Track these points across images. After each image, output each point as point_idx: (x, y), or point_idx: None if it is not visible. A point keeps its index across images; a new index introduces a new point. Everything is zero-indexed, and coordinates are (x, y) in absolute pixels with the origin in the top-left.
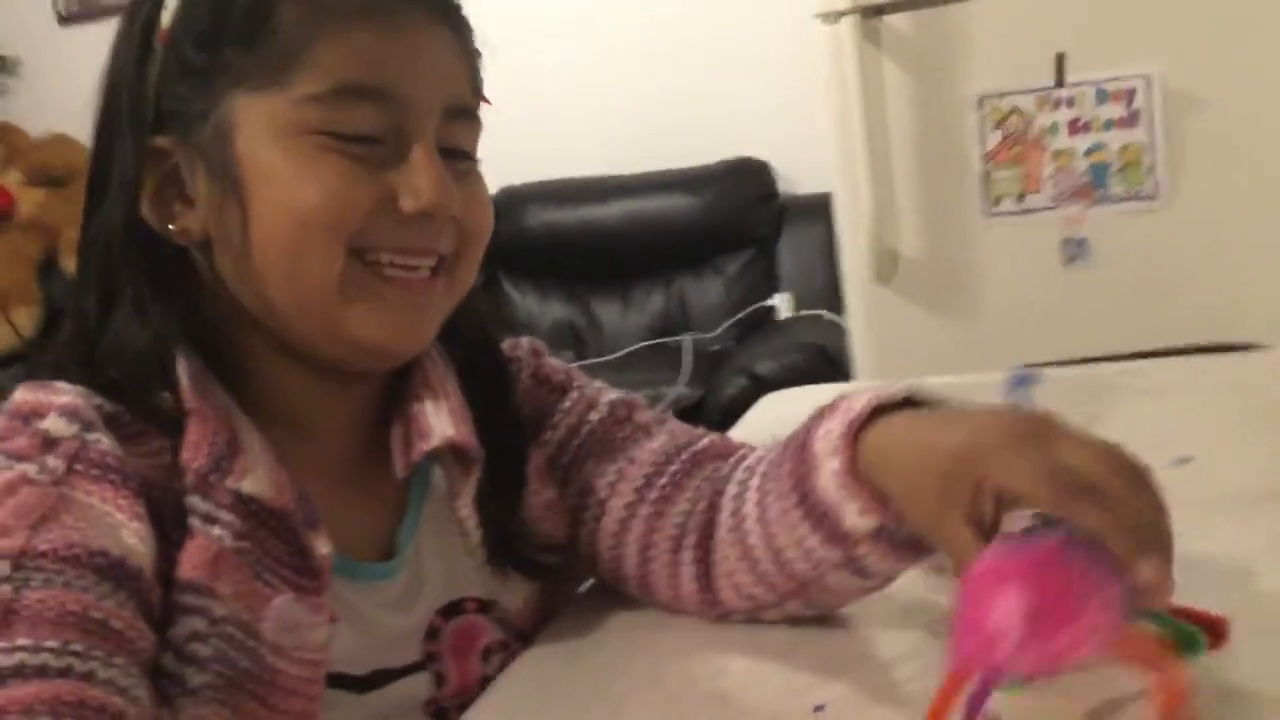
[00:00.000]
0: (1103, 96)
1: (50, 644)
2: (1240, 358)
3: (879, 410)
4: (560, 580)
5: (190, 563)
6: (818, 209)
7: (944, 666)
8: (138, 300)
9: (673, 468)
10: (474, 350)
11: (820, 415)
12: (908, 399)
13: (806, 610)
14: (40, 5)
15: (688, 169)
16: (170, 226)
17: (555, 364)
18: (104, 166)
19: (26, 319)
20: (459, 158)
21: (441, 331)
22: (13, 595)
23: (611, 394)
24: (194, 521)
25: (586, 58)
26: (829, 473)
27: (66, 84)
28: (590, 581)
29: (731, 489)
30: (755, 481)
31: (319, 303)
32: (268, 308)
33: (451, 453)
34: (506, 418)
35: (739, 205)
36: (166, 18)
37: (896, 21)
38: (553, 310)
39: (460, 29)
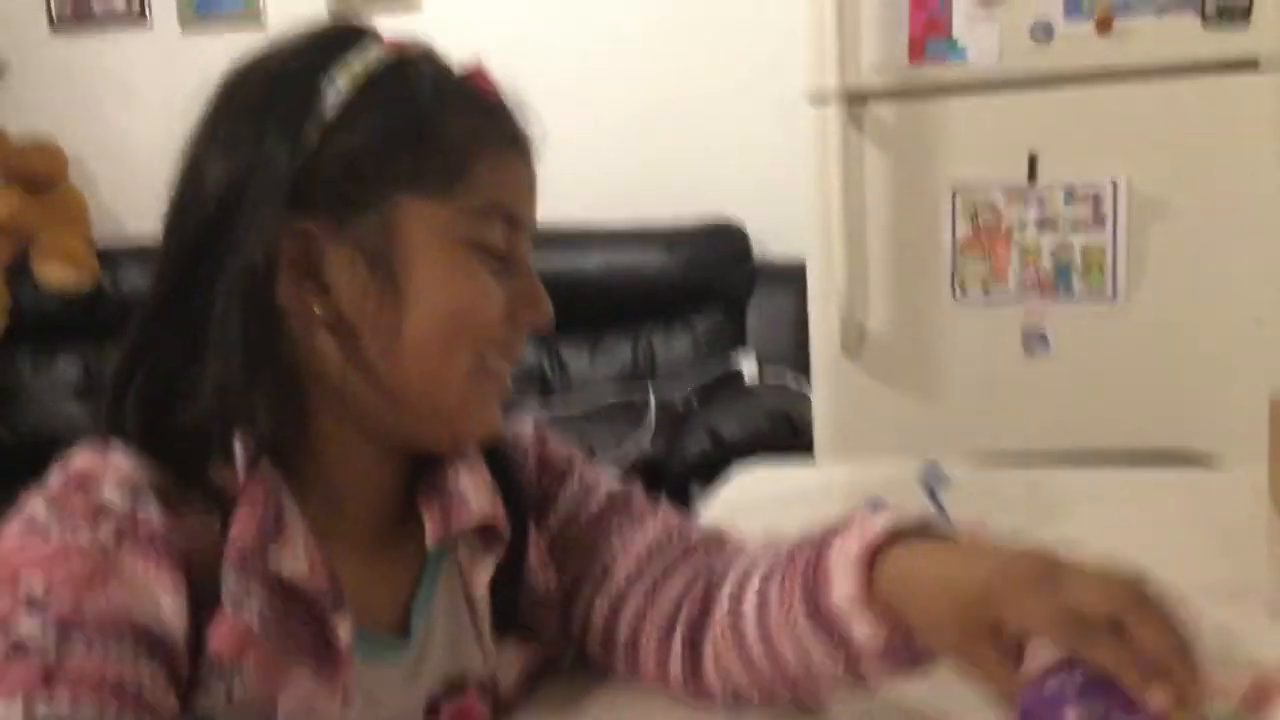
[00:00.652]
0: (1070, 198)
1: (88, 708)
2: (1192, 476)
3: (895, 535)
4: (551, 658)
5: (219, 640)
6: (790, 275)
7: None
8: (239, 369)
9: (667, 555)
10: None
11: (833, 532)
12: (922, 526)
13: (791, 703)
14: (33, 11)
15: (666, 225)
16: (316, 309)
17: (558, 448)
18: (225, 232)
19: None
20: None
21: None
22: (56, 659)
23: (611, 480)
24: (226, 599)
25: (580, 109)
26: (842, 594)
27: (53, 90)
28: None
29: (729, 585)
30: (755, 583)
31: (451, 394)
32: (392, 393)
33: (477, 530)
34: (517, 495)
35: (713, 265)
36: (329, 109)
37: (880, 110)
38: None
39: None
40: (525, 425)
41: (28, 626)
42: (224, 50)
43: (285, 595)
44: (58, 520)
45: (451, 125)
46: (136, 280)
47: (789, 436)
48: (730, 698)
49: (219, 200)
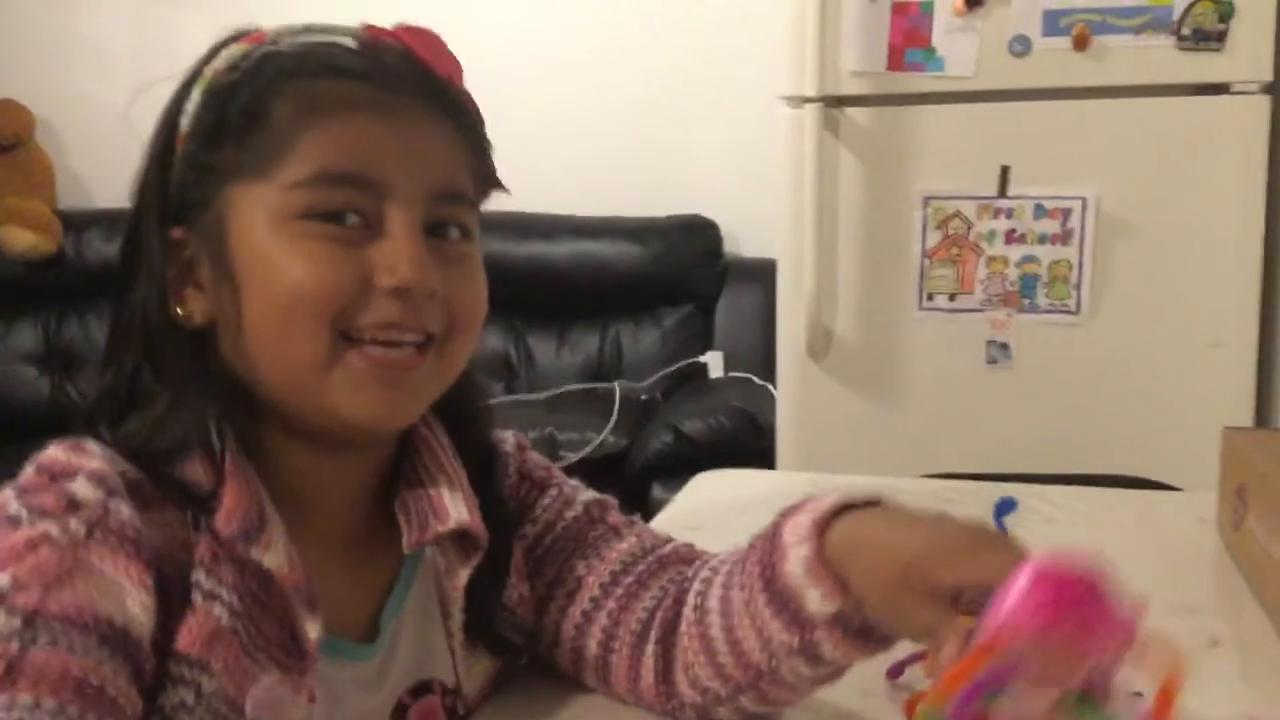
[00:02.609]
0: (1040, 212)
1: (49, 703)
2: (1148, 496)
3: (847, 507)
4: (516, 665)
5: (188, 637)
6: (760, 273)
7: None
8: (177, 379)
9: (639, 568)
10: (469, 435)
11: (789, 512)
12: (872, 501)
13: (757, 707)
14: None
15: (638, 219)
16: (179, 310)
17: (536, 459)
18: (133, 256)
19: None
20: (452, 239)
21: (438, 416)
22: (19, 652)
23: (587, 494)
24: (196, 597)
25: (554, 98)
26: (796, 559)
27: (23, 51)
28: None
29: (696, 587)
30: (719, 580)
31: (305, 380)
32: (264, 385)
33: (454, 536)
34: (498, 504)
35: (684, 261)
36: (185, 121)
37: (857, 115)
38: (489, 339)
39: (462, 120)
40: (505, 438)
41: None
42: (198, 18)
43: (259, 592)
44: (28, 512)
45: (278, 106)
46: (100, 246)
47: (751, 435)
48: (699, 706)
49: (131, 224)
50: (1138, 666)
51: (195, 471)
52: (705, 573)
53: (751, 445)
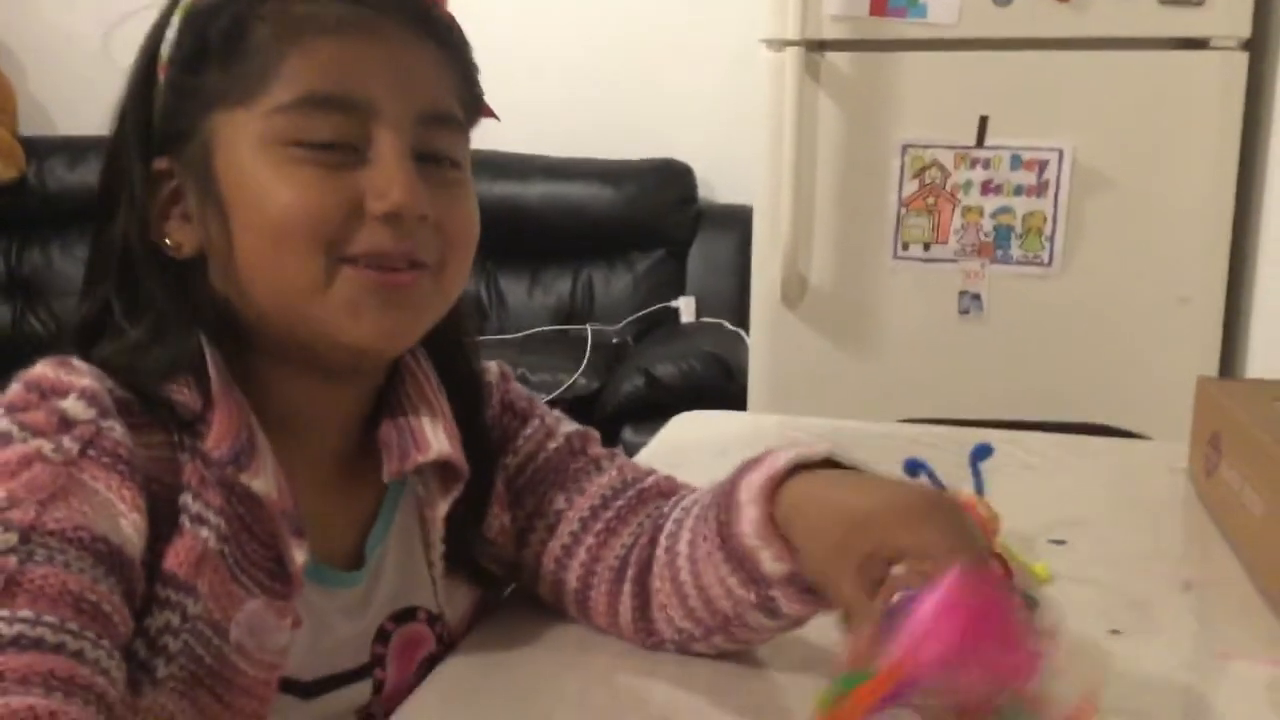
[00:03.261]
0: (1017, 163)
1: (49, 619)
2: (1120, 444)
3: (801, 466)
4: (500, 594)
5: (176, 559)
6: (734, 219)
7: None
8: (161, 306)
9: (619, 502)
10: (454, 366)
11: (746, 467)
12: (829, 459)
13: (730, 645)
14: None
15: (612, 161)
16: (167, 241)
17: (520, 390)
18: (113, 186)
19: None
20: (442, 165)
21: (424, 345)
22: (18, 567)
23: (569, 426)
24: (184, 520)
25: (530, 35)
26: (748, 520)
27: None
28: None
29: (668, 527)
30: (689, 522)
31: (302, 306)
32: (258, 314)
33: (435, 466)
34: (482, 434)
35: (658, 205)
36: (165, 49)
37: (837, 60)
38: None
39: (447, 43)
40: (488, 368)
41: None
42: None
43: (246, 516)
44: (19, 429)
45: (258, 29)
46: (62, 174)
47: (723, 379)
48: (676, 642)
49: (110, 155)
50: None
51: (183, 395)
52: (677, 513)
53: (723, 390)
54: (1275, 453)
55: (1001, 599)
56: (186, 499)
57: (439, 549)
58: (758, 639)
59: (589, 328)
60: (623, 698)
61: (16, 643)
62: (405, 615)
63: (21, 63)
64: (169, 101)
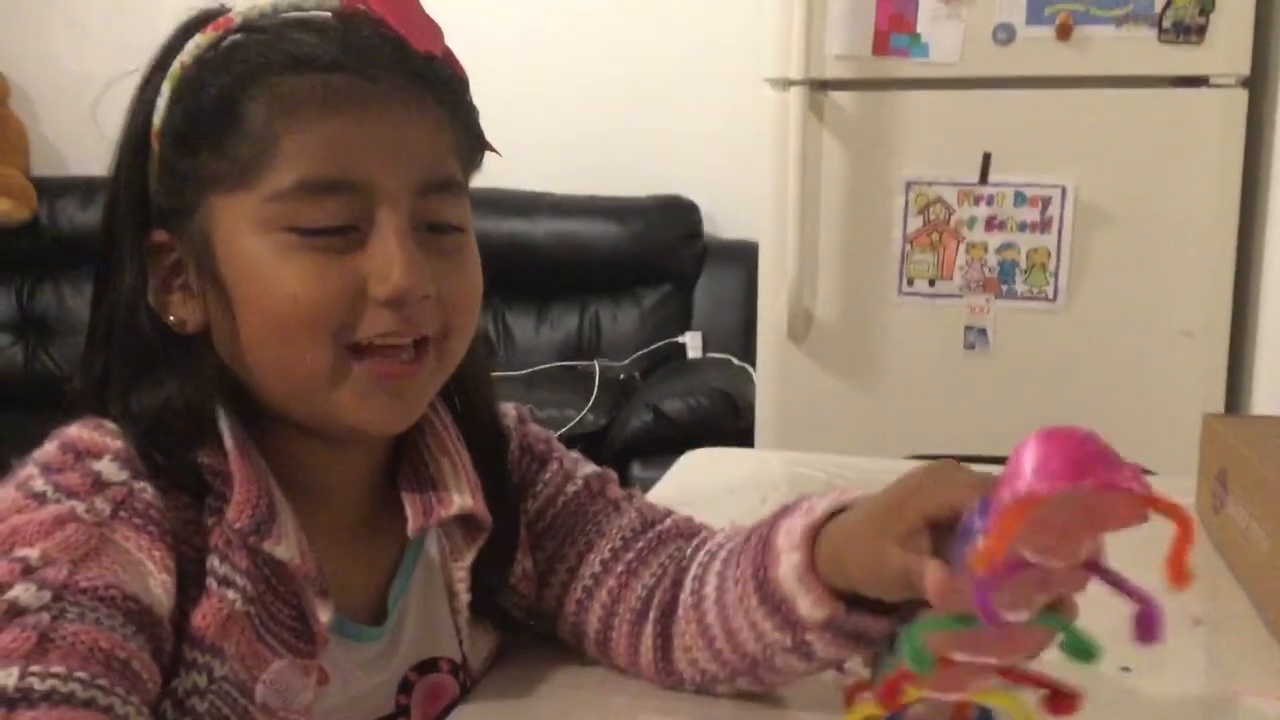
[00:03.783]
0: (1020, 199)
1: (80, 675)
2: None
3: (838, 511)
4: (519, 637)
5: (203, 621)
6: (740, 255)
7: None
8: (159, 376)
9: (639, 544)
10: (473, 412)
11: (783, 513)
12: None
13: (754, 687)
14: None
15: (618, 198)
16: (170, 318)
17: (537, 432)
18: (110, 255)
19: None
20: (443, 232)
21: (443, 397)
22: (50, 624)
23: (587, 468)
24: (210, 582)
25: (536, 73)
26: (789, 565)
27: (1, 17)
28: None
29: (694, 570)
30: (716, 566)
31: (309, 390)
32: (263, 389)
33: (459, 518)
34: (504, 483)
35: (664, 241)
36: (157, 118)
37: (841, 99)
38: None
39: (445, 97)
40: (506, 412)
41: (22, 591)
42: None
43: (265, 579)
44: (54, 489)
45: (249, 110)
46: (74, 214)
47: (730, 415)
48: (698, 684)
49: (105, 216)
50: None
51: (208, 459)
52: (702, 556)
53: (730, 426)
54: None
55: (1094, 439)
56: (213, 561)
57: (464, 599)
58: (783, 681)
59: (596, 363)
60: None
61: (49, 698)
62: (428, 666)
63: (34, 103)
64: (164, 176)
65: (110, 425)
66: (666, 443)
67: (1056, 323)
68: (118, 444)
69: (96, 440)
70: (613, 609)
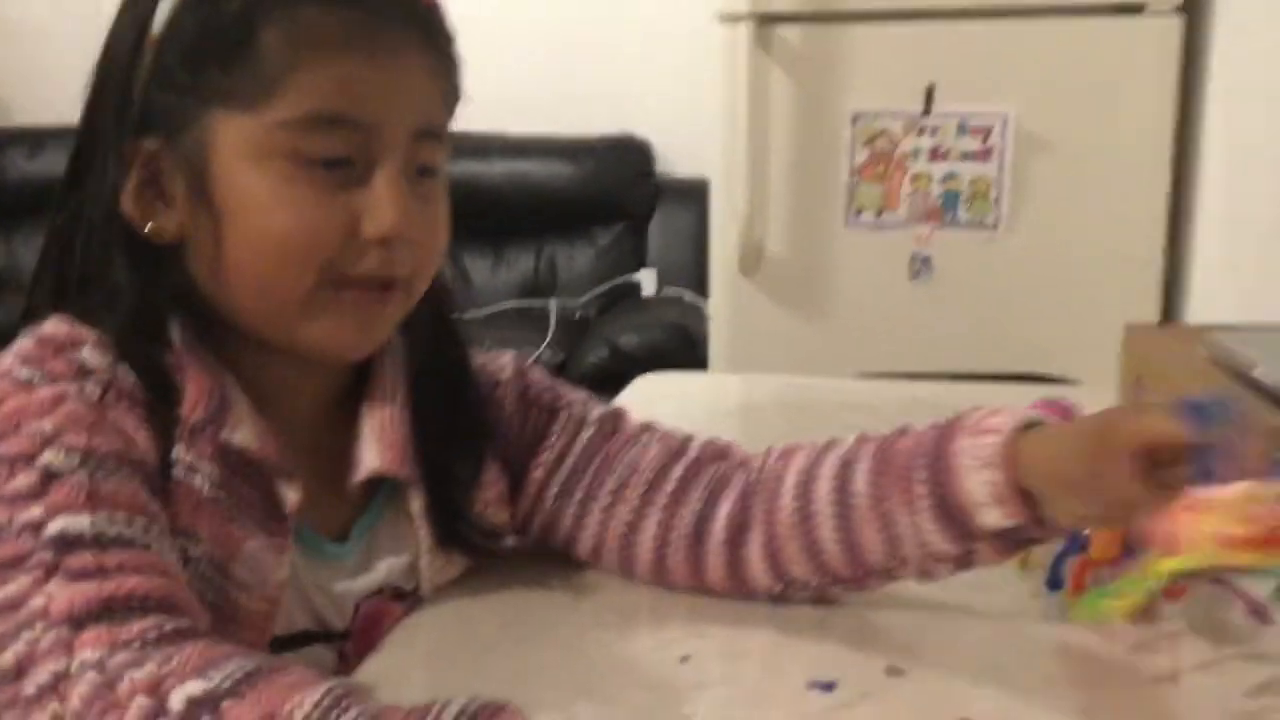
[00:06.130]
0: (963, 129)
1: (136, 520)
2: (1054, 390)
3: (1020, 430)
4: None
5: (174, 507)
6: (692, 192)
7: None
8: (118, 282)
9: (675, 473)
10: (439, 348)
11: (947, 433)
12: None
13: (843, 592)
14: None
15: (571, 138)
16: (149, 225)
17: (541, 380)
18: (87, 156)
19: None
20: (426, 176)
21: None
22: (90, 480)
23: (597, 409)
24: (178, 470)
25: (486, 13)
26: (980, 482)
27: None
28: None
29: (788, 488)
30: (825, 485)
31: (283, 314)
32: (232, 309)
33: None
34: (468, 420)
35: (617, 180)
36: (157, 23)
37: (788, 32)
38: None
39: (442, 48)
40: (504, 365)
41: (52, 457)
42: None
43: (231, 465)
44: (41, 375)
45: (266, 34)
46: (22, 164)
47: (685, 349)
48: (778, 592)
49: (84, 119)
50: None
51: (168, 359)
52: (792, 477)
53: (685, 358)
54: (1193, 392)
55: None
56: (179, 450)
57: (425, 531)
58: (881, 586)
59: (553, 302)
60: (589, 655)
61: (116, 541)
62: (381, 592)
63: None
64: (160, 84)
65: (78, 323)
66: (624, 377)
67: (998, 249)
68: (94, 335)
69: (74, 332)
70: (665, 538)
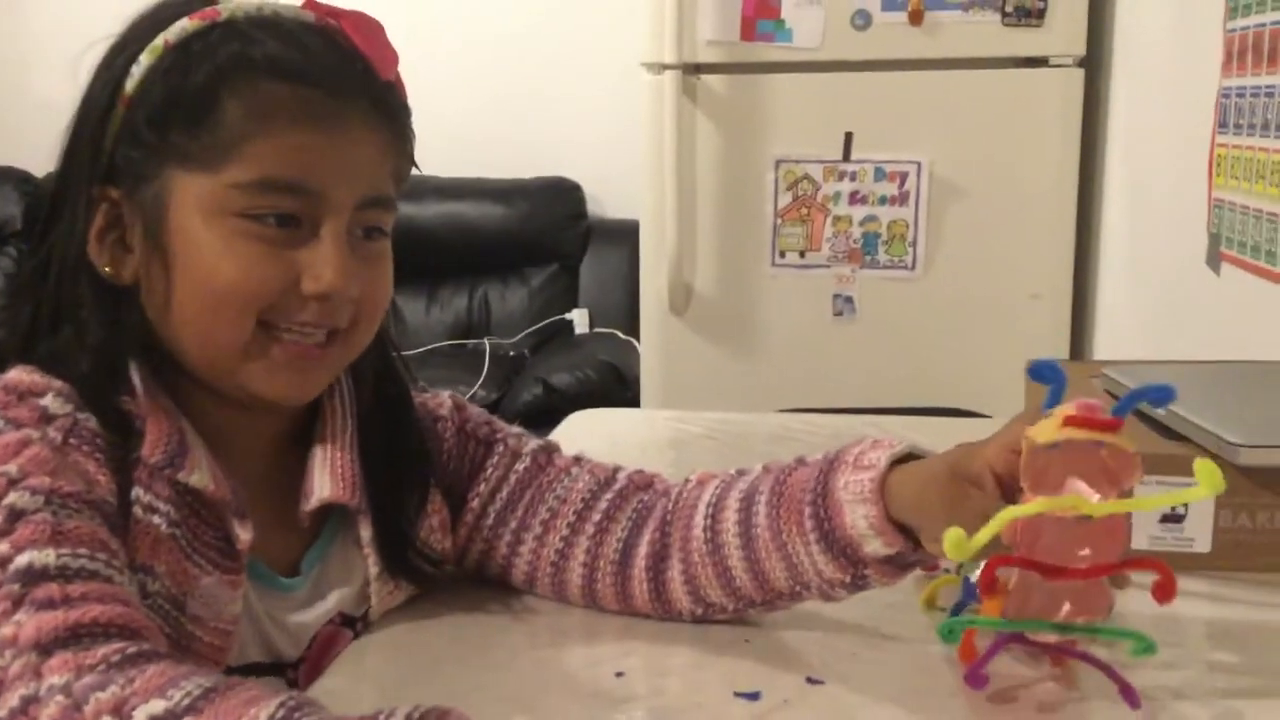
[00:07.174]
0: (880, 175)
1: (99, 556)
2: (964, 423)
3: (893, 463)
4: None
5: (133, 544)
6: (622, 233)
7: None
8: (85, 321)
9: (602, 504)
10: (382, 385)
11: (832, 467)
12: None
13: (762, 614)
14: None
15: (504, 180)
16: (106, 268)
17: (478, 415)
18: (59, 202)
19: None
20: (371, 237)
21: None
22: (55, 520)
23: (531, 443)
24: (136, 510)
25: (420, 57)
26: (860, 516)
27: None
28: None
29: (699, 517)
30: (732, 516)
31: (223, 360)
32: (181, 354)
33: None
34: (408, 452)
35: (549, 221)
36: (130, 84)
37: (713, 81)
38: None
39: (396, 122)
40: (442, 401)
41: (17, 498)
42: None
43: (188, 505)
44: (5, 421)
45: (228, 104)
46: None
47: (617, 387)
48: (699, 614)
49: (60, 168)
50: None
51: (129, 404)
52: (704, 508)
53: (617, 396)
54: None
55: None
56: (138, 491)
57: (373, 561)
58: (792, 606)
59: (487, 342)
60: (541, 667)
61: (79, 574)
62: (332, 622)
63: None
64: (128, 140)
65: (42, 372)
66: (557, 414)
67: (916, 289)
68: (58, 383)
69: (37, 380)
70: (593, 564)
